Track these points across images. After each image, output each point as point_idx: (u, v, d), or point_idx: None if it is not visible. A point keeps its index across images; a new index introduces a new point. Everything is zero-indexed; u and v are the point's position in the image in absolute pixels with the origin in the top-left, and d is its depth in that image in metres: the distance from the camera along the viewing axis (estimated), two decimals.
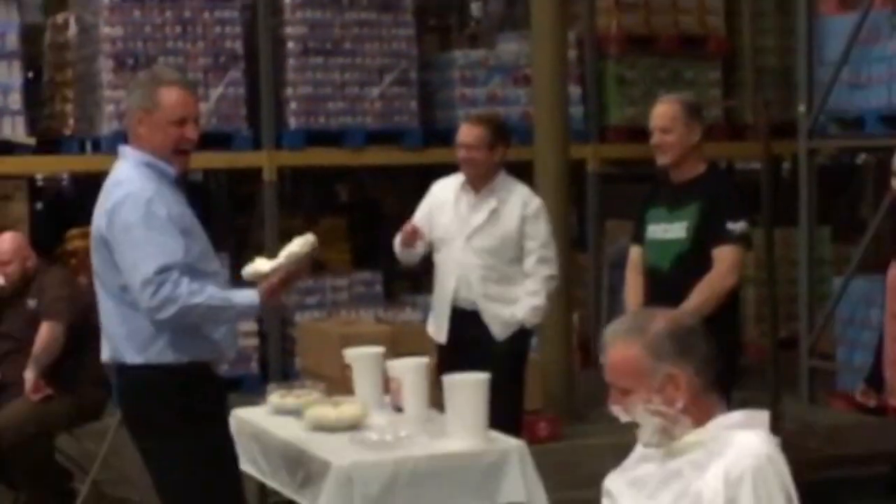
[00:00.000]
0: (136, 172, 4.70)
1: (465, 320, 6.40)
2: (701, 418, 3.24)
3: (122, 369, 4.76)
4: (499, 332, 6.39)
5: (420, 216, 6.61)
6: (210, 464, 4.71)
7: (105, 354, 4.87)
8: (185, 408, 4.65)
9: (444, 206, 6.50)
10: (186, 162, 4.83)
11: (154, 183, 4.66)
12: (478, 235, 6.39)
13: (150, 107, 4.71)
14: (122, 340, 4.73)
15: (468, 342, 6.30)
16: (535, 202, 6.50)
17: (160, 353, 4.65)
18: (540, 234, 6.43)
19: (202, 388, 4.70)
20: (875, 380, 5.38)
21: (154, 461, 4.83)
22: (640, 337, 3.26)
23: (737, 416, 3.26)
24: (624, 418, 3.31)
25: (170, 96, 4.72)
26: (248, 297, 4.64)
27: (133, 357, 4.69)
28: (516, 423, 6.18)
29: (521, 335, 6.49)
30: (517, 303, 6.38)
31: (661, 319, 3.32)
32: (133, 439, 4.92)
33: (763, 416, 3.28)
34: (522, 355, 6.59)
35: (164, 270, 4.51)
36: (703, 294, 5.72)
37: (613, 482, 3.40)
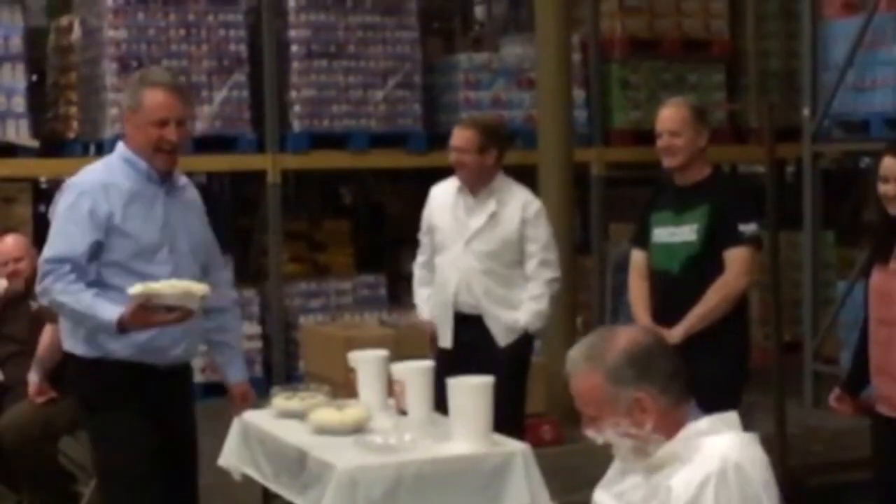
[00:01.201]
0: (103, 165, 4.97)
1: (468, 324, 6.39)
2: (672, 433, 3.23)
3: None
4: (501, 336, 6.37)
5: (424, 226, 6.63)
6: (110, 456, 4.97)
7: None
8: (92, 398, 4.99)
9: (442, 209, 6.50)
10: (170, 161, 4.91)
11: (121, 177, 4.86)
12: (477, 239, 6.37)
13: (135, 106, 4.88)
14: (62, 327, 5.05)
15: (470, 346, 6.29)
16: (535, 204, 6.47)
17: (74, 345, 4.93)
18: (541, 237, 6.41)
19: (109, 381, 4.90)
20: (851, 385, 5.35)
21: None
22: (599, 365, 3.25)
23: (703, 423, 3.24)
24: (599, 441, 3.30)
25: (153, 98, 4.85)
26: (109, 313, 4.64)
27: (65, 344, 5.02)
28: (518, 428, 6.16)
29: (524, 340, 6.47)
30: (519, 306, 6.37)
31: (620, 341, 3.28)
32: None
33: (731, 417, 3.27)
34: (525, 360, 6.57)
35: (56, 261, 4.72)
36: (716, 296, 5.71)
37: (601, 496, 3.39)
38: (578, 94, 11.30)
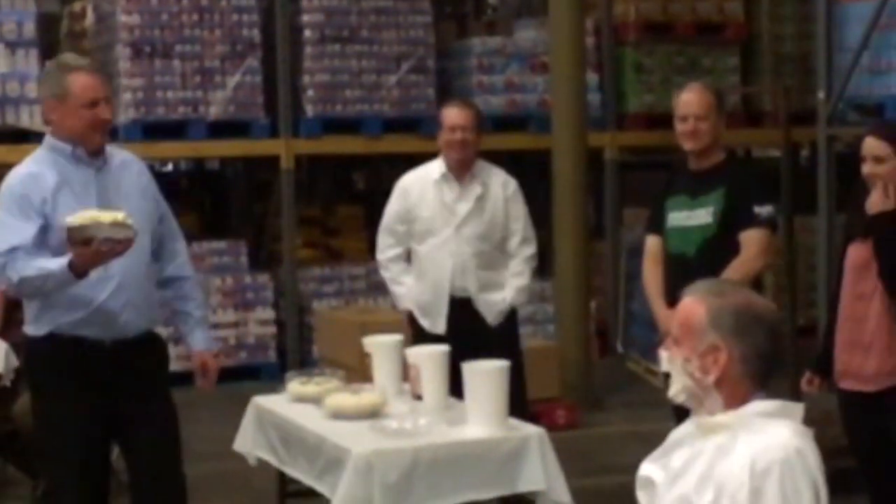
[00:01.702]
0: (30, 159, 5.01)
1: (462, 309, 6.52)
2: (732, 402, 3.22)
3: None
4: (492, 317, 6.55)
5: (394, 216, 6.65)
6: (47, 441, 5.02)
7: None
8: (37, 379, 5.06)
9: (423, 198, 6.56)
10: (103, 139, 4.99)
11: (46, 168, 4.90)
12: (467, 224, 6.51)
13: (61, 94, 4.91)
14: None
15: (464, 331, 6.35)
16: (512, 183, 6.65)
17: (28, 326, 5.00)
18: (521, 215, 6.61)
19: (54, 358, 4.92)
20: (822, 366, 5.37)
21: None
22: (712, 300, 3.27)
23: (771, 405, 3.23)
24: (664, 366, 3.32)
25: (79, 82, 4.90)
26: (59, 262, 4.67)
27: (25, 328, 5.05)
28: (524, 406, 6.25)
29: (512, 318, 6.66)
30: (503, 286, 6.56)
31: (742, 296, 3.31)
32: None
33: (798, 408, 3.25)
34: (517, 338, 6.77)
35: (7, 253, 4.76)
36: (734, 277, 5.70)
37: (646, 468, 3.38)
38: (592, 77, 11.28)
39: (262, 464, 5.68)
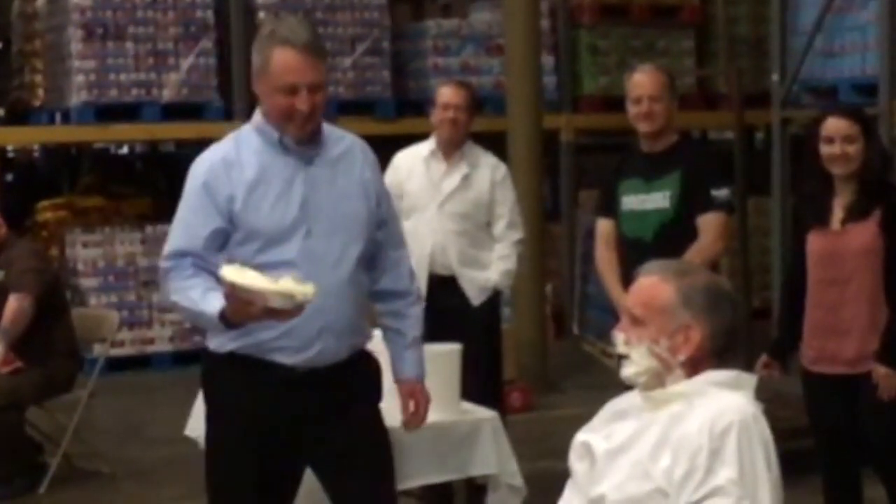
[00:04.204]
0: (233, 137, 4.17)
1: (443, 286, 6.48)
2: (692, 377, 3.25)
3: None
4: (475, 296, 6.51)
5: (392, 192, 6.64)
6: (212, 459, 4.33)
7: None
8: (212, 399, 4.32)
9: (412, 174, 6.58)
10: (303, 130, 4.06)
11: (248, 153, 4.07)
12: (451, 201, 6.50)
13: (262, 68, 4.05)
14: None
15: (445, 309, 6.31)
16: (502, 168, 6.67)
17: (209, 337, 4.21)
18: (508, 199, 6.59)
19: (230, 381, 4.18)
20: (779, 351, 5.40)
21: None
22: (678, 279, 3.28)
23: (725, 374, 3.25)
24: (621, 348, 3.30)
25: (282, 59, 4.00)
26: (213, 305, 3.89)
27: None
28: (498, 387, 6.25)
29: (495, 299, 6.63)
30: (488, 267, 6.51)
31: (706, 275, 3.38)
32: None
33: (751, 380, 3.28)
34: (497, 320, 6.75)
35: (175, 256, 4.05)
36: (693, 261, 5.70)
37: (585, 436, 3.36)
38: (547, 60, 11.27)
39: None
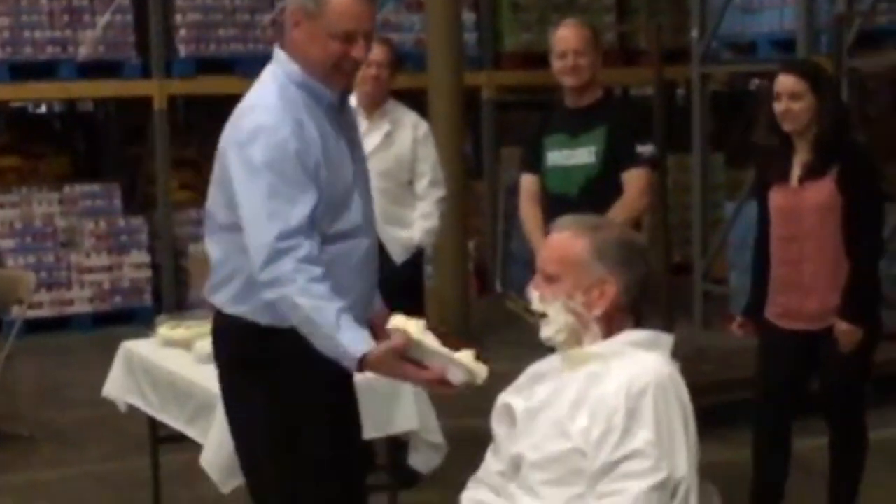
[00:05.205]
0: (277, 94, 3.71)
1: None
2: (610, 334, 3.24)
3: (215, 310, 3.90)
4: (398, 254, 6.45)
5: None
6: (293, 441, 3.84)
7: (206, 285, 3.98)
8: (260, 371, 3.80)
9: None
10: (349, 84, 3.82)
11: (303, 111, 3.70)
12: (373, 158, 6.37)
13: (314, 9, 3.66)
14: (218, 279, 3.85)
15: None
16: (424, 125, 6.58)
17: (255, 310, 3.73)
18: (430, 157, 6.52)
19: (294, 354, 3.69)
20: (752, 310, 5.44)
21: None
22: (591, 233, 3.26)
23: (643, 334, 3.25)
24: (536, 306, 3.28)
25: (342, 2, 3.65)
26: (355, 343, 3.47)
27: (224, 303, 3.82)
28: None
29: (418, 257, 6.62)
30: (411, 225, 6.45)
31: (616, 228, 3.39)
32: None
33: (668, 339, 3.28)
34: (420, 278, 6.74)
35: (290, 235, 3.54)
36: (619, 217, 5.70)
37: (511, 397, 3.36)
38: (468, 16, 11.24)
39: (133, 409, 5.59)
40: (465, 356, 3.41)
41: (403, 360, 3.44)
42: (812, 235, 5.14)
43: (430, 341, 3.40)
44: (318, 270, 3.52)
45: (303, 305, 3.50)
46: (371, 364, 3.46)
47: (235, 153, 3.64)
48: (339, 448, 3.90)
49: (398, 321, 3.44)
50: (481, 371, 3.41)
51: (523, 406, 3.29)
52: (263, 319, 3.71)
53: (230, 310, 3.78)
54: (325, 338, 3.50)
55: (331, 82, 3.73)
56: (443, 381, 3.42)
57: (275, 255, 3.51)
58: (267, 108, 3.66)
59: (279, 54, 3.79)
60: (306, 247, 3.52)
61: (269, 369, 3.76)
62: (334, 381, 3.84)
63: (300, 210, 3.55)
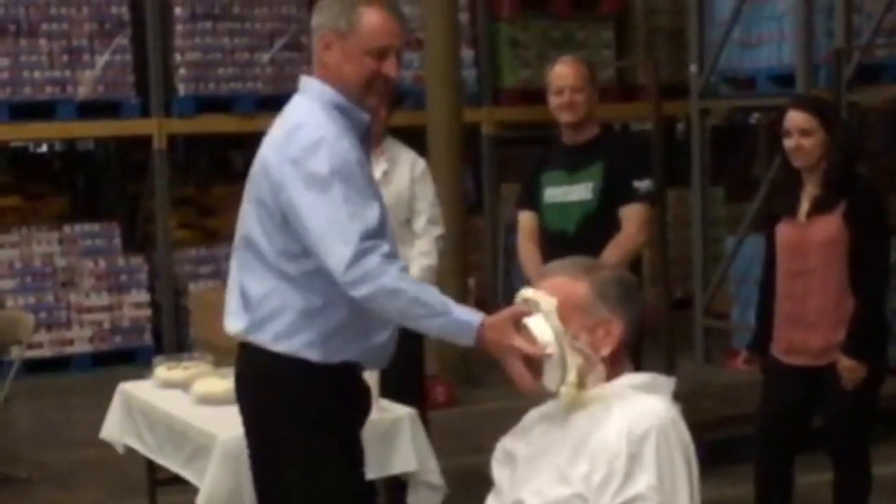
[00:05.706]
0: (324, 113, 3.70)
1: None
2: (612, 375, 3.21)
3: (249, 349, 3.84)
4: None
5: None
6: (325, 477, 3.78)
7: (233, 324, 3.94)
8: (307, 409, 3.76)
9: None
10: (381, 103, 3.92)
11: (341, 130, 3.70)
12: None
13: (346, 28, 3.70)
14: (261, 315, 3.81)
15: None
16: (421, 163, 6.51)
17: (305, 346, 3.70)
18: (428, 195, 6.45)
19: (342, 391, 3.79)
20: (758, 344, 5.42)
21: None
22: (588, 275, 3.24)
23: (643, 377, 3.22)
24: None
25: (374, 19, 3.70)
26: (468, 314, 3.51)
27: (269, 341, 3.76)
28: (420, 383, 6.19)
29: None
30: (410, 264, 6.39)
31: (610, 268, 3.38)
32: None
33: (669, 382, 3.25)
34: None
35: (371, 235, 3.55)
36: (616, 255, 5.66)
37: (512, 442, 3.33)
38: (467, 53, 11.25)
39: (131, 451, 5.56)
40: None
41: (517, 332, 3.30)
42: (818, 271, 5.12)
43: (554, 321, 3.19)
44: (403, 263, 3.58)
45: (407, 289, 3.50)
46: (488, 330, 3.42)
47: (293, 170, 3.62)
48: (365, 487, 3.95)
49: (527, 293, 3.28)
50: (571, 381, 3.17)
51: (524, 451, 3.26)
52: (314, 356, 3.69)
53: (277, 347, 3.73)
54: (437, 315, 3.49)
55: (364, 102, 3.75)
56: (526, 362, 3.27)
57: (360, 254, 3.50)
58: (319, 123, 3.65)
59: (310, 82, 3.79)
60: (386, 246, 3.54)
61: (328, 411, 3.72)
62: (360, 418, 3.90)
63: (373, 213, 3.58)
